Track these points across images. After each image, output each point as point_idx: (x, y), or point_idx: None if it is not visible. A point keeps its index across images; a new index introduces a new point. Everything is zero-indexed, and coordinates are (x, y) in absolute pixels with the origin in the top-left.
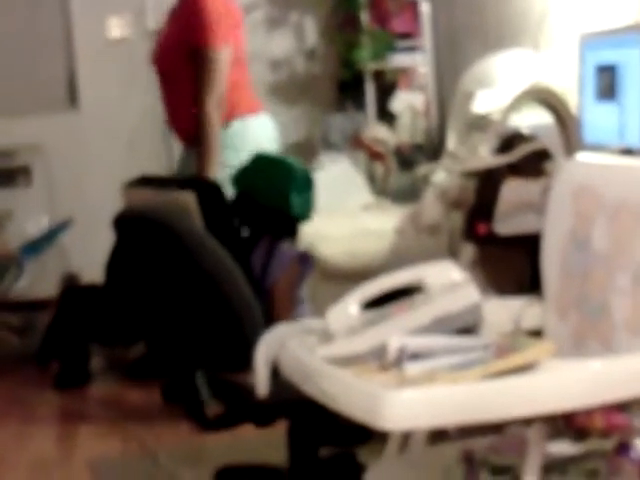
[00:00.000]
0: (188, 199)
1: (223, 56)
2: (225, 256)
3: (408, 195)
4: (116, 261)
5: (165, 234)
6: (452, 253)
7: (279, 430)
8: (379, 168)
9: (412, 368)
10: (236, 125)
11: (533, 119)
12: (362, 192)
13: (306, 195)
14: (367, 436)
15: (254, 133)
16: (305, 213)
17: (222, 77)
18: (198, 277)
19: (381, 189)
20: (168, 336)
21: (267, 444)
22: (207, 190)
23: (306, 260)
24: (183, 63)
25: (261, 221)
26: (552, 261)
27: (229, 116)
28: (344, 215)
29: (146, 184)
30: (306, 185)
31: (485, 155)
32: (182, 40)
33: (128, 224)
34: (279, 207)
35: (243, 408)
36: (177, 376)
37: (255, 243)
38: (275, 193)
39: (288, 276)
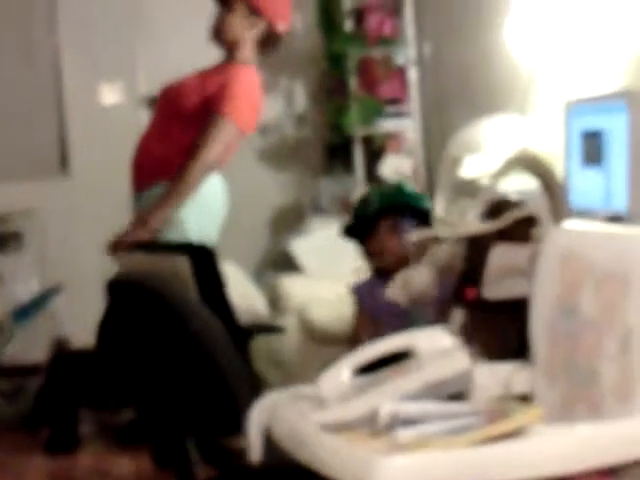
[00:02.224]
0: (182, 264)
1: (233, 133)
2: (215, 323)
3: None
4: (107, 326)
5: (157, 300)
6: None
7: None
8: None
9: (404, 434)
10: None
11: (521, 184)
12: (352, 256)
13: None
14: None
15: (209, 189)
16: None
17: (222, 149)
18: (187, 343)
19: None
20: (157, 401)
21: None
22: (201, 255)
23: None
24: (195, 117)
25: None
26: (540, 327)
27: None
28: (334, 279)
29: (139, 249)
30: None
31: (473, 221)
32: (206, 101)
33: (120, 289)
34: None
35: (234, 473)
36: (167, 441)
37: None
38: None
39: None
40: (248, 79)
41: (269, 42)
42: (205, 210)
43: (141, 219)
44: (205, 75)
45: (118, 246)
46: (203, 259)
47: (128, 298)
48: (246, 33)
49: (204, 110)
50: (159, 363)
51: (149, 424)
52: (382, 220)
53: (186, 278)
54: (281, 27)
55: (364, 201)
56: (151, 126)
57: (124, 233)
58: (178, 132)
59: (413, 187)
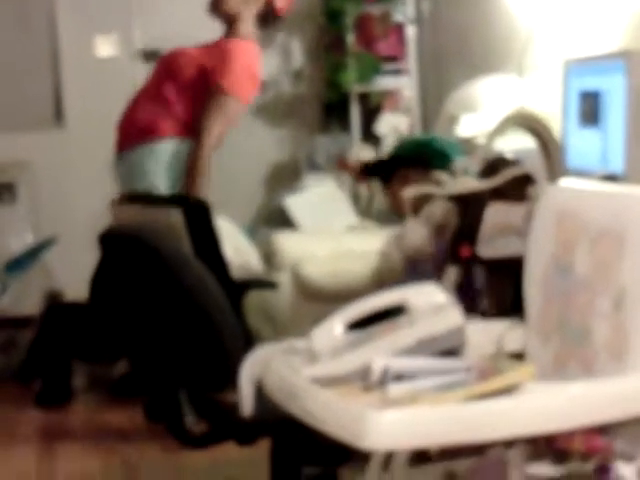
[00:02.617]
0: (175, 217)
1: (236, 108)
2: (209, 277)
3: (392, 217)
4: (101, 278)
5: (149, 253)
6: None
7: (261, 449)
8: (364, 190)
9: (395, 389)
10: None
11: (517, 144)
12: (346, 213)
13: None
14: (349, 456)
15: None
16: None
17: (227, 123)
18: (181, 297)
19: (365, 211)
20: (151, 354)
21: (249, 463)
22: (195, 208)
23: None
24: (192, 85)
25: None
26: (534, 285)
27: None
28: (328, 236)
29: (134, 201)
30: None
31: (469, 179)
32: (205, 71)
33: (114, 242)
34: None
35: (226, 426)
36: (160, 394)
37: None
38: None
39: None
40: (247, 53)
41: (268, 18)
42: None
43: None
44: (206, 48)
45: None
46: (197, 213)
47: (121, 251)
48: (244, 7)
49: (201, 82)
50: (152, 316)
51: (142, 377)
52: (399, 169)
53: (180, 231)
54: (280, 4)
55: (395, 145)
56: (144, 89)
57: None
58: (172, 99)
59: (448, 143)
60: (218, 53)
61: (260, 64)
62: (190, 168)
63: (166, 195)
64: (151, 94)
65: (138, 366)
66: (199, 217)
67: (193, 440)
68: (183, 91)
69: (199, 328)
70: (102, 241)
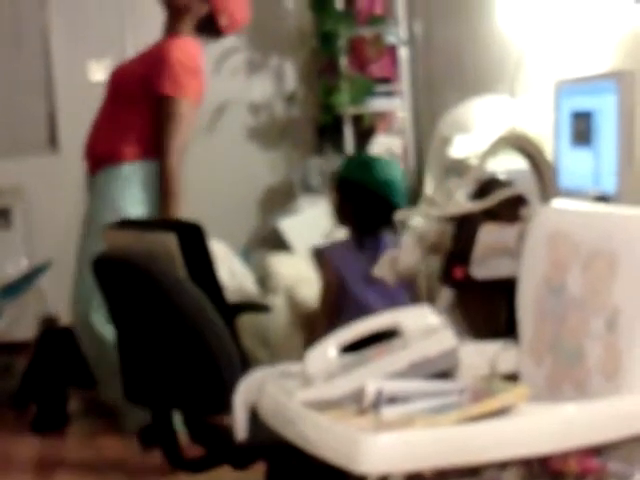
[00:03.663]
0: (169, 241)
1: (188, 109)
2: (204, 301)
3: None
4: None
5: (144, 278)
6: (429, 298)
7: (256, 473)
8: None
9: (389, 412)
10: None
11: (509, 164)
12: (341, 235)
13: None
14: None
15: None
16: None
17: (186, 129)
18: (176, 320)
19: None
20: (146, 378)
21: None
22: (188, 232)
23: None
24: (137, 99)
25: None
26: (527, 306)
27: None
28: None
29: (127, 226)
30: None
31: (462, 200)
32: (145, 81)
33: (108, 267)
34: (385, 195)
35: (221, 450)
36: (155, 419)
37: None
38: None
39: None
40: (182, 49)
41: (205, 28)
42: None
43: None
44: (142, 56)
45: None
46: (191, 236)
47: (115, 276)
48: (197, 5)
49: (143, 90)
50: (147, 340)
51: (136, 402)
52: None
53: (174, 255)
54: (224, 21)
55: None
56: (101, 112)
57: None
58: (122, 115)
59: (398, 177)
60: (154, 57)
61: (201, 58)
62: (161, 190)
63: (159, 220)
64: (107, 117)
65: (133, 391)
66: (193, 240)
67: (188, 464)
68: (135, 108)
69: (195, 352)
70: (96, 267)
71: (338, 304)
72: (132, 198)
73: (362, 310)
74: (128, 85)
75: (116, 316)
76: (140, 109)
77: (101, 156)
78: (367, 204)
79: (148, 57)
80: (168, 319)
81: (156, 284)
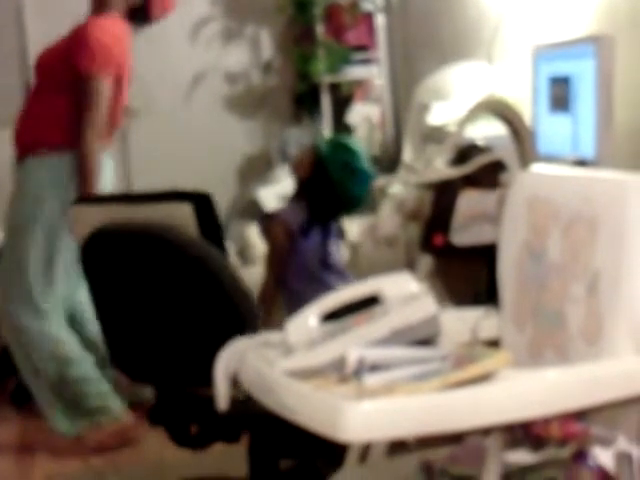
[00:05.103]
0: (184, 211)
1: (105, 86)
2: (232, 268)
3: (364, 207)
4: (95, 281)
5: (165, 247)
6: (409, 264)
7: (240, 443)
8: None
9: (371, 380)
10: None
11: (488, 130)
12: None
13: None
14: (327, 448)
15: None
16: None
17: (104, 108)
18: (210, 290)
19: None
20: (153, 357)
21: (228, 457)
22: (202, 201)
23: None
24: (63, 84)
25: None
26: (508, 272)
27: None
28: None
29: (103, 201)
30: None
31: (441, 167)
32: (66, 63)
33: (112, 242)
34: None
35: (210, 424)
36: (163, 397)
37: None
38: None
39: None
40: (104, 29)
41: (139, 14)
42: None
43: None
44: (65, 37)
45: None
46: (204, 205)
47: (126, 250)
48: None
49: (65, 73)
50: (157, 316)
51: (143, 381)
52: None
53: (188, 225)
54: (153, 8)
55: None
56: (30, 96)
57: None
58: (48, 101)
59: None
60: (74, 38)
61: (123, 37)
62: (79, 169)
63: (160, 191)
64: (35, 101)
65: (137, 370)
66: (206, 209)
67: (191, 441)
68: (61, 93)
69: (225, 316)
70: (93, 242)
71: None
72: (54, 187)
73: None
74: (52, 69)
75: (114, 294)
76: (66, 94)
77: (25, 144)
78: (329, 201)
79: (69, 38)
80: (198, 289)
81: (188, 254)
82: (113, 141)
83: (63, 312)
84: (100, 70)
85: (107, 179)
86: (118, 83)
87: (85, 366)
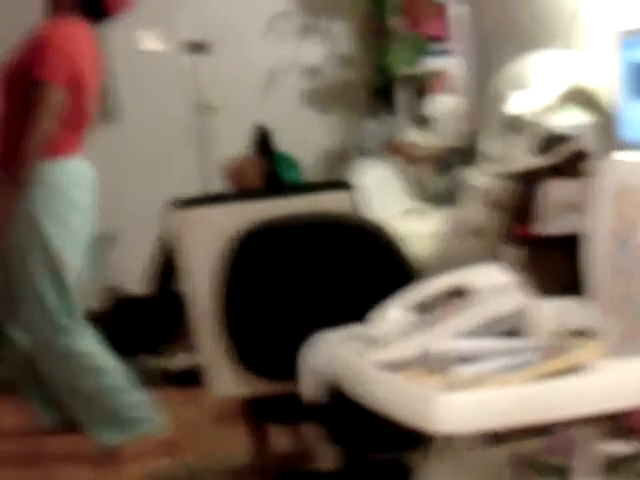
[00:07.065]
0: (343, 199)
1: (56, 94)
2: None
3: (446, 199)
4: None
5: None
6: (496, 256)
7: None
8: (416, 173)
9: (461, 372)
10: (55, 166)
11: (571, 119)
12: (400, 198)
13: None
14: (416, 441)
15: (68, 178)
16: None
17: (51, 115)
18: (398, 272)
19: (419, 194)
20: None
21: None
22: (352, 189)
23: None
24: (20, 93)
25: None
26: (599, 261)
27: (54, 154)
28: (385, 221)
29: (224, 200)
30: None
31: (521, 156)
32: (24, 71)
33: (286, 236)
34: None
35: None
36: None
37: None
38: None
39: None
40: (55, 33)
41: (89, 10)
42: (65, 201)
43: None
44: (25, 48)
45: None
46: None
47: (288, 245)
48: None
49: (25, 79)
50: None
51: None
52: None
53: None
54: (107, 3)
55: None
56: (3, 112)
57: None
58: (17, 112)
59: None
60: (30, 44)
61: (80, 40)
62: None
63: (311, 182)
64: (3, 117)
65: None
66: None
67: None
68: (17, 98)
69: None
70: (254, 243)
71: None
72: (40, 202)
73: None
74: (14, 78)
75: (294, 289)
76: (24, 99)
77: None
78: None
79: (26, 45)
80: (389, 275)
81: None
82: (84, 146)
83: (86, 322)
84: (48, 77)
85: (87, 184)
86: (79, 87)
87: (117, 375)
